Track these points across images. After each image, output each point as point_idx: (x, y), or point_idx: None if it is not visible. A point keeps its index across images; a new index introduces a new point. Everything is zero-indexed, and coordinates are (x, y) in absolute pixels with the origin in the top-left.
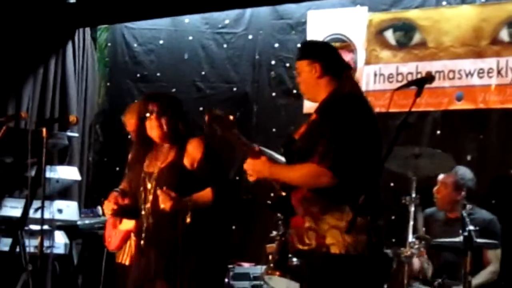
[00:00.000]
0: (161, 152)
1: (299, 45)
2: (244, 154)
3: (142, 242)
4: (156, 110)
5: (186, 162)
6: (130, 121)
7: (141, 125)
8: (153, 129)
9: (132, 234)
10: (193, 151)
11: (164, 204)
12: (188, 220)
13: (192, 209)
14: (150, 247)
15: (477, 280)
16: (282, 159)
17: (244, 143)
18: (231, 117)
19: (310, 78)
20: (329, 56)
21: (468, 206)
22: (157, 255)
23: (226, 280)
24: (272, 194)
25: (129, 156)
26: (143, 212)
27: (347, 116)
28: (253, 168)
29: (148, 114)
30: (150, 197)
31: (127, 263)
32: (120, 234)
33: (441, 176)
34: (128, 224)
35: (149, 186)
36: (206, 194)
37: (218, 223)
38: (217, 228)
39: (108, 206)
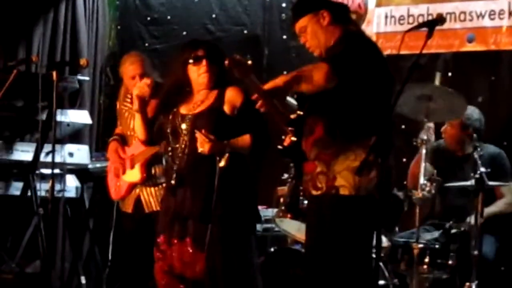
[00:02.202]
0: (198, 97)
1: (293, 6)
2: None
3: (173, 182)
4: (206, 56)
5: (226, 108)
6: (130, 70)
7: (183, 70)
8: (202, 74)
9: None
10: (233, 98)
11: (203, 146)
12: (222, 163)
13: (229, 153)
14: (185, 187)
15: (492, 208)
16: (295, 102)
17: (259, 87)
18: (249, 62)
19: (319, 28)
20: (331, 2)
21: (479, 148)
22: (192, 195)
23: None
24: (283, 138)
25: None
26: (173, 153)
27: (358, 51)
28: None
29: (191, 60)
30: (185, 138)
31: (129, 211)
32: (125, 184)
33: None
34: (132, 175)
35: (183, 127)
36: (244, 139)
37: (251, 170)
38: (251, 175)
39: None
